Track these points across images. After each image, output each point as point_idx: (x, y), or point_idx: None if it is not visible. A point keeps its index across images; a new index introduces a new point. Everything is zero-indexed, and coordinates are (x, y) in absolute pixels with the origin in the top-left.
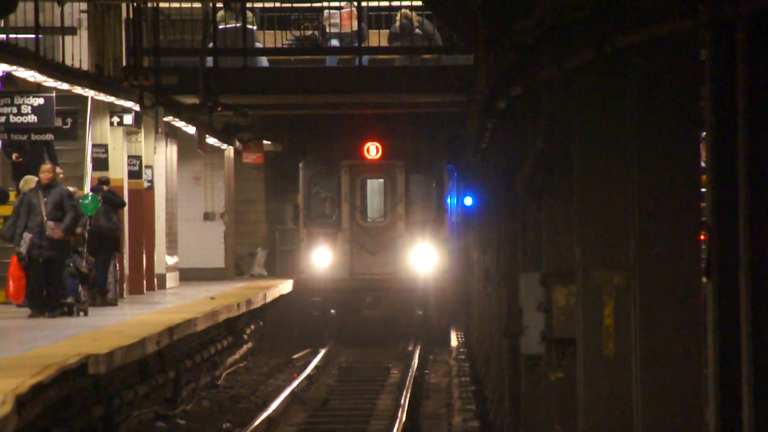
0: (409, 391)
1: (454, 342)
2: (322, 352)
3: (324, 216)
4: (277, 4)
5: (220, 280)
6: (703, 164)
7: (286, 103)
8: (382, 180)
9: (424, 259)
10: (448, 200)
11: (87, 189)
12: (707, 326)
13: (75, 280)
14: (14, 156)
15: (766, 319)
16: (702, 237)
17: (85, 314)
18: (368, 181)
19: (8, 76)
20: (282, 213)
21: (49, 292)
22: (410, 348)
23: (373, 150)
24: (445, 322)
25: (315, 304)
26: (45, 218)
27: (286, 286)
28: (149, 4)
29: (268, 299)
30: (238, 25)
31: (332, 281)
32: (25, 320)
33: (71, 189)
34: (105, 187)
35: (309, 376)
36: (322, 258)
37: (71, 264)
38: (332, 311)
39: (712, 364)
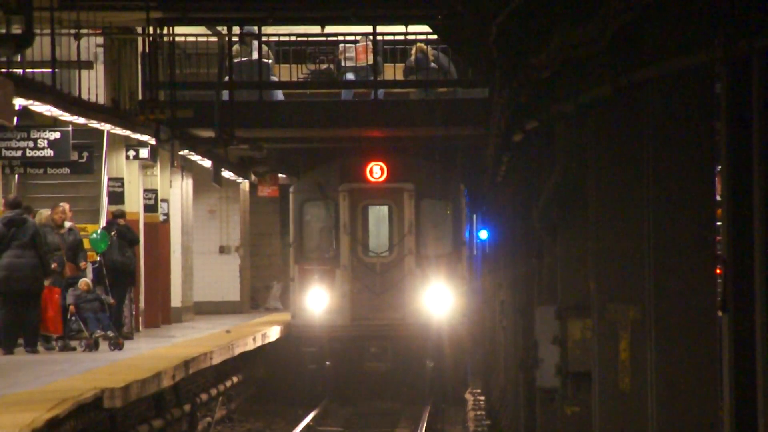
0: None
1: (471, 403)
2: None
3: (319, 250)
4: (293, 38)
5: (235, 314)
6: (718, 198)
7: (302, 137)
8: (387, 206)
9: (438, 301)
10: (467, 231)
11: (103, 222)
12: (723, 360)
13: (106, 313)
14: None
15: None
16: (718, 271)
17: (120, 348)
18: (371, 207)
19: (25, 110)
20: None
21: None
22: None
23: (377, 171)
24: (461, 377)
25: (309, 355)
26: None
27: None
28: (165, 38)
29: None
30: (254, 58)
31: (329, 328)
32: (41, 354)
33: (68, 224)
34: (121, 221)
35: None
36: (317, 300)
37: (98, 298)
38: (327, 363)
39: (727, 398)
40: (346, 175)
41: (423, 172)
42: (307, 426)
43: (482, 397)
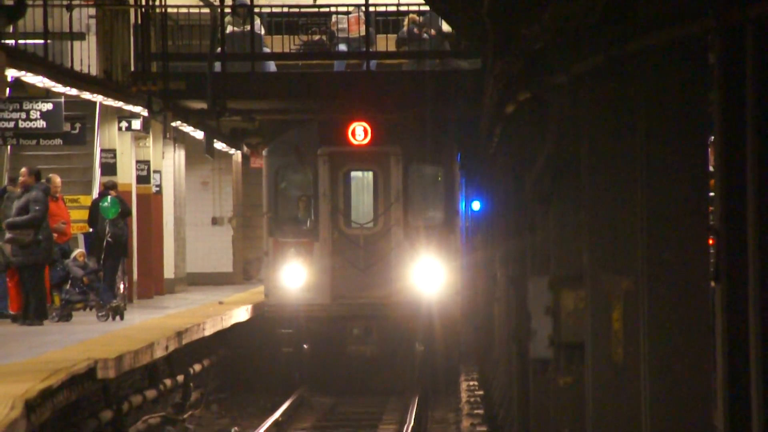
0: None
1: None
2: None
3: (296, 221)
4: (285, 9)
5: (228, 285)
6: (711, 168)
7: (294, 108)
8: (372, 172)
9: (428, 277)
10: (461, 200)
11: (95, 194)
12: (716, 331)
13: (101, 283)
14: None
15: None
16: (711, 241)
17: (122, 317)
18: (354, 173)
19: (17, 81)
20: None
21: (27, 300)
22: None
23: (360, 132)
24: (454, 361)
25: (285, 337)
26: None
27: None
28: (157, 10)
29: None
30: (246, 29)
31: (307, 308)
32: (36, 326)
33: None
34: (112, 193)
35: None
36: (293, 277)
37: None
38: (305, 346)
39: (720, 368)
40: (326, 137)
41: (412, 134)
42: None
43: (476, 383)
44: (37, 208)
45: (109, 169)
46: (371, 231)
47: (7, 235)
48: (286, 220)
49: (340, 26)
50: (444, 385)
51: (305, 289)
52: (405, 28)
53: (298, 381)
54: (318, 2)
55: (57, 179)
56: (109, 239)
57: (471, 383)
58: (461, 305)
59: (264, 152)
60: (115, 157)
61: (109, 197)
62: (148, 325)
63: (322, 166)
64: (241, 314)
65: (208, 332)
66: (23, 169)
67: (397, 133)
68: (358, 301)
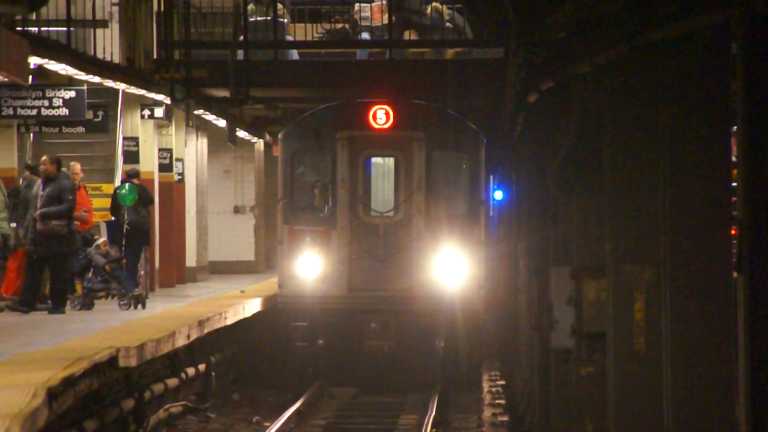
0: None
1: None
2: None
3: (312, 208)
4: None
5: (250, 273)
6: (734, 159)
7: (317, 96)
8: (393, 158)
9: (450, 269)
10: (486, 189)
11: (117, 182)
12: (738, 321)
13: (123, 271)
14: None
15: None
16: (733, 232)
17: (143, 306)
18: (374, 159)
19: (40, 69)
20: None
21: (51, 289)
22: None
23: (381, 116)
24: (476, 358)
25: (299, 331)
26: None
27: None
28: None
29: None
30: (268, 18)
31: (322, 300)
32: (59, 314)
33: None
34: (135, 181)
35: None
36: (308, 267)
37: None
38: (319, 341)
39: (743, 358)
40: (346, 121)
41: (435, 119)
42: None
43: (497, 373)
44: (70, 197)
45: (131, 157)
46: (391, 220)
47: (40, 226)
48: (302, 207)
49: (363, 14)
50: (466, 383)
51: (321, 280)
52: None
53: (311, 377)
54: None
55: (77, 167)
56: (128, 227)
57: (493, 373)
58: (485, 299)
59: (280, 135)
60: (137, 145)
61: (127, 184)
62: (169, 314)
63: (341, 150)
64: (261, 304)
65: (229, 321)
66: (44, 158)
67: (421, 117)
68: (376, 294)
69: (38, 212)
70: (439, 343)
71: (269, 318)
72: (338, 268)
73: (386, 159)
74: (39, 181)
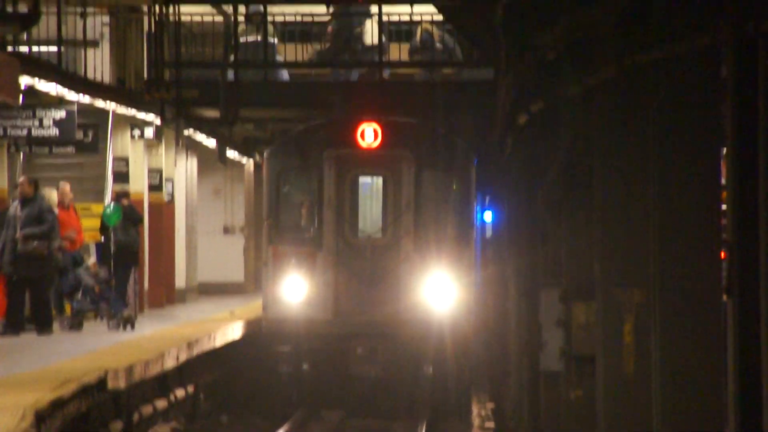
0: None
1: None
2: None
3: (298, 229)
4: (298, 18)
5: (240, 294)
6: (723, 181)
7: (307, 117)
8: (381, 177)
9: (440, 293)
10: (477, 210)
11: (107, 201)
12: (728, 344)
13: (113, 292)
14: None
15: None
16: (723, 255)
17: (133, 327)
18: (362, 178)
19: (30, 88)
20: None
21: (33, 312)
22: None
23: (369, 134)
24: (466, 385)
25: (283, 356)
26: (18, 233)
27: None
28: (171, 18)
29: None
30: (259, 38)
31: (308, 324)
32: (46, 335)
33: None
34: (124, 201)
35: None
36: (293, 290)
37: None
38: (304, 366)
39: (732, 381)
40: (333, 139)
41: (425, 137)
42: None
43: (491, 404)
44: (51, 218)
45: (121, 177)
46: (379, 241)
47: (21, 247)
48: (287, 227)
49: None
50: (455, 408)
51: (306, 303)
52: (418, 38)
53: (296, 403)
54: (331, 11)
55: (67, 187)
56: (113, 246)
57: (482, 396)
58: (474, 324)
59: (265, 154)
60: (127, 165)
61: (112, 204)
62: (159, 335)
63: (328, 169)
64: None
65: (218, 343)
66: (22, 178)
67: (410, 135)
68: (363, 318)
69: (21, 233)
70: (427, 368)
71: (255, 340)
72: (324, 291)
73: (374, 178)
74: (15, 203)
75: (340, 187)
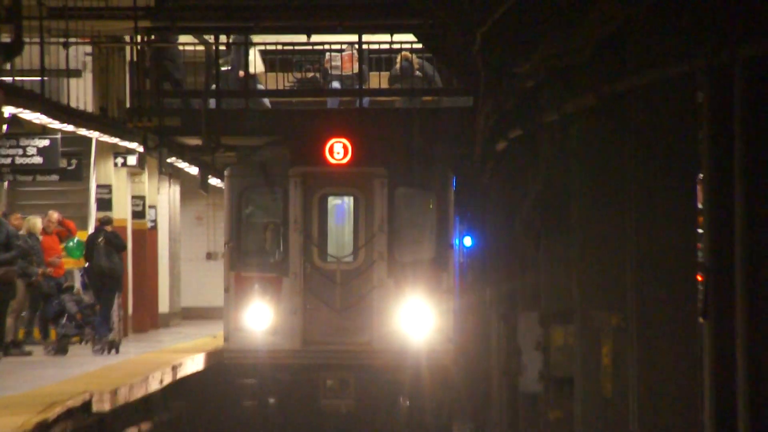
0: None
1: None
2: None
3: (262, 253)
4: (280, 47)
5: (222, 319)
6: (700, 206)
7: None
8: (352, 197)
9: (416, 321)
10: (455, 232)
11: (91, 229)
12: (704, 366)
13: (97, 317)
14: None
15: (762, 359)
16: (699, 278)
17: (117, 351)
18: (331, 198)
19: (14, 118)
20: None
21: None
22: None
23: (339, 150)
24: (445, 419)
25: (247, 389)
26: None
27: None
28: (152, 47)
29: None
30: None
31: (273, 354)
32: (31, 358)
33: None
34: (108, 228)
35: None
36: (258, 318)
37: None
38: (270, 400)
39: (709, 404)
40: (299, 156)
41: (399, 154)
42: None
43: (466, 417)
44: (19, 242)
45: (104, 204)
46: (350, 266)
47: None
48: (250, 251)
49: (333, 64)
50: None
51: (271, 332)
52: (398, 66)
53: None
54: (312, 40)
55: (54, 215)
56: (87, 269)
57: (463, 420)
58: (453, 353)
59: (226, 172)
60: (110, 192)
61: (76, 238)
62: (143, 359)
63: (294, 188)
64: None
65: (179, 374)
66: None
67: (383, 151)
68: (333, 348)
69: None
70: (403, 401)
71: (207, 378)
72: (291, 319)
73: (344, 198)
74: None
75: (308, 207)
